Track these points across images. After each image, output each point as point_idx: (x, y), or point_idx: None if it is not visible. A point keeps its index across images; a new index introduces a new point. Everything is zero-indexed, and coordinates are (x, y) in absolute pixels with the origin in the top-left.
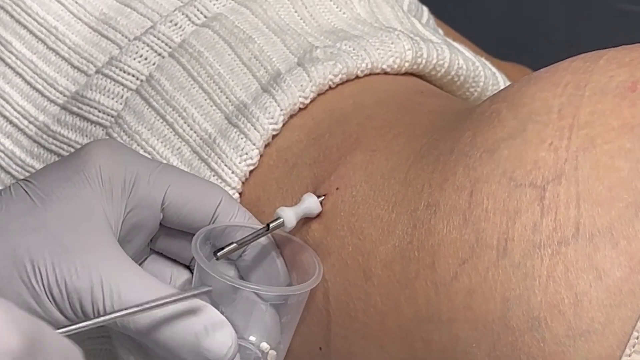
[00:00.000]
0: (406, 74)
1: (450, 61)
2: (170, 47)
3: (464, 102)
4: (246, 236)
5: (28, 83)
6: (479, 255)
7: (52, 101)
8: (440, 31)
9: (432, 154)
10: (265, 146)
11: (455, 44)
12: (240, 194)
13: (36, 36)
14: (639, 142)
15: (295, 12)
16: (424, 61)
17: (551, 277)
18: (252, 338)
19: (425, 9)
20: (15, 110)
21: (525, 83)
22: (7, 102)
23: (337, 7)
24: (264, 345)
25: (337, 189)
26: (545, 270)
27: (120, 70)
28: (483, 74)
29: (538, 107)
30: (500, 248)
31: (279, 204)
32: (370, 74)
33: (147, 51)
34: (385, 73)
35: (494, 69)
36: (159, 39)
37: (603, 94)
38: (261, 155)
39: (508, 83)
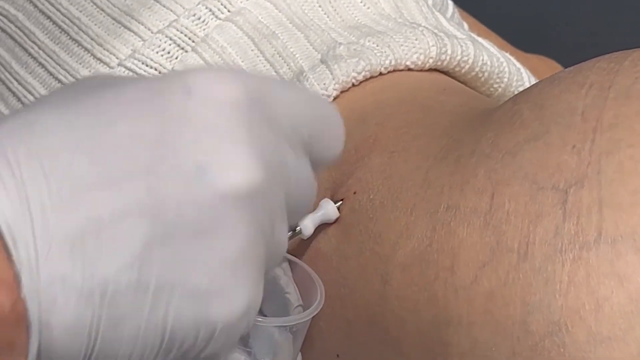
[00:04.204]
0: (430, 70)
1: (475, 57)
2: (193, 42)
3: (488, 99)
4: None
5: (50, 74)
6: (499, 259)
7: None
8: (465, 25)
9: (452, 155)
10: None
11: (480, 40)
12: None
13: (59, 27)
14: None
15: (319, 6)
16: (448, 57)
17: (572, 283)
18: None
19: (450, 2)
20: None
21: (549, 83)
22: (30, 92)
23: (361, 2)
24: None
25: (354, 192)
26: (567, 275)
27: (143, 63)
28: (507, 70)
29: (561, 109)
30: (521, 252)
31: None
32: (394, 71)
33: (170, 45)
34: (409, 70)
35: (518, 65)
36: (182, 32)
37: (627, 97)
38: None
39: (532, 78)
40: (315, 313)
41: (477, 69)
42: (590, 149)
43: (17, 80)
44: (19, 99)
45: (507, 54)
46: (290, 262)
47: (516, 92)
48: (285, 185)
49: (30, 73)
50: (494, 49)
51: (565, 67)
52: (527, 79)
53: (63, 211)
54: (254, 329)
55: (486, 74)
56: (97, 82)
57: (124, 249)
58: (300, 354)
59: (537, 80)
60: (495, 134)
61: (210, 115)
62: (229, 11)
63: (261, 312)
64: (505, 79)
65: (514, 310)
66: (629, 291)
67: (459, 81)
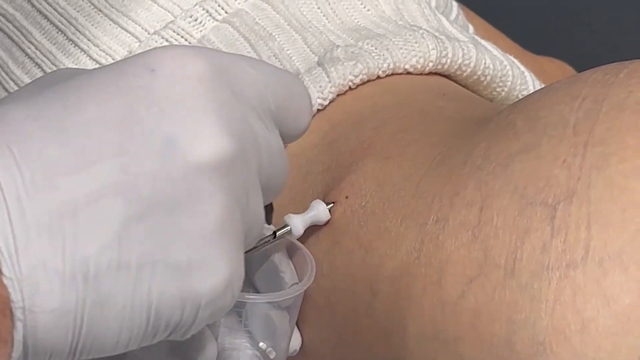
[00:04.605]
0: (430, 74)
1: (477, 61)
2: (189, 43)
3: (489, 104)
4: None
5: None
6: (486, 274)
7: None
8: (471, 27)
9: (445, 164)
10: None
11: (484, 42)
12: None
13: (56, 27)
14: None
15: (318, 8)
16: (448, 61)
17: (558, 301)
18: (261, 344)
19: (454, 4)
20: None
21: (544, 94)
22: None
23: (361, 4)
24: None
25: (346, 197)
26: (553, 294)
27: None
28: (511, 73)
29: (554, 121)
30: (508, 268)
31: (292, 213)
32: (392, 74)
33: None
34: (409, 73)
35: (522, 68)
36: (178, 34)
37: (621, 110)
38: None
39: (537, 82)
40: (304, 288)
41: (479, 73)
42: (581, 163)
43: (13, 81)
44: None
45: (512, 57)
46: (289, 246)
47: (520, 96)
48: (257, 155)
49: (26, 73)
50: (497, 52)
51: (578, 70)
52: (531, 83)
53: (38, 197)
54: (250, 309)
55: (488, 77)
56: (65, 74)
57: (102, 229)
58: (298, 332)
59: (542, 85)
60: (488, 144)
61: (176, 90)
62: (226, 12)
63: (257, 292)
64: (509, 83)
65: (500, 327)
66: (615, 312)
67: (460, 85)
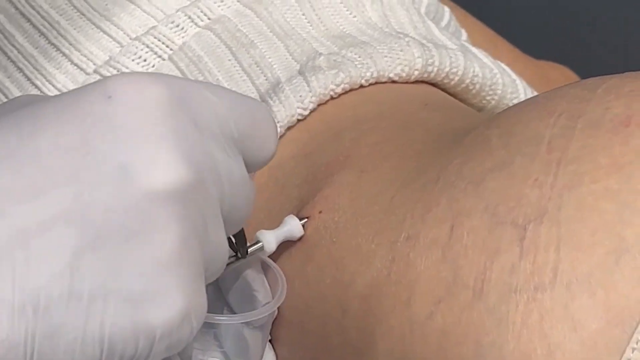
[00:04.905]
0: (417, 82)
1: (465, 69)
2: (171, 49)
3: (476, 114)
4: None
5: (28, 79)
6: (454, 295)
7: None
8: (464, 33)
9: (419, 180)
10: None
11: (474, 50)
12: None
13: (39, 30)
14: (626, 184)
15: (303, 14)
16: (435, 69)
17: (525, 325)
18: None
19: (446, 10)
20: None
21: (521, 108)
22: (7, 97)
23: (347, 10)
24: None
25: (320, 212)
26: (520, 317)
27: (118, 71)
28: (501, 82)
29: (528, 138)
30: (477, 289)
31: (268, 228)
32: (377, 83)
33: (146, 52)
34: (393, 82)
35: (514, 76)
36: (159, 40)
37: (596, 127)
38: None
39: (529, 90)
40: (275, 307)
41: (467, 81)
42: (553, 182)
43: None
44: None
45: (503, 65)
46: (263, 263)
47: (510, 105)
48: (217, 183)
49: (8, 77)
50: (488, 60)
51: (581, 76)
52: (522, 91)
53: None
54: (224, 328)
55: (477, 86)
56: (22, 101)
57: (54, 259)
58: (272, 350)
59: (535, 93)
60: (462, 160)
61: (132, 118)
62: (208, 19)
63: (232, 311)
64: (499, 91)
65: (467, 350)
66: (581, 337)
67: (449, 93)
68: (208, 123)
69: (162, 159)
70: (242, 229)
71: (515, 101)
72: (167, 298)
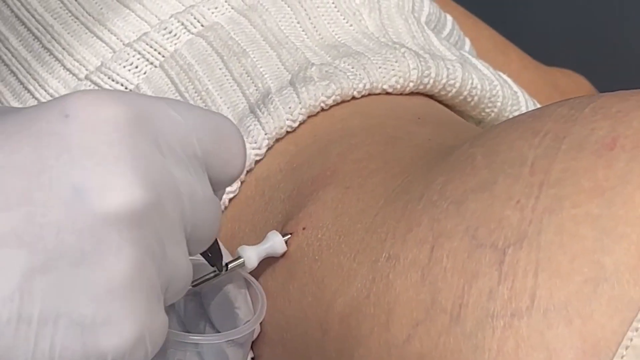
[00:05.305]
0: (412, 94)
1: (463, 80)
2: (163, 56)
3: (467, 130)
4: (202, 276)
5: (21, 83)
6: (432, 319)
7: None
8: (467, 42)
9: (402, 198)
10: (247, 172)
11: (474, 61)
12: None
13: (33, 34)
14: (608, 209)
15: (298, 23)
16: (431, 81)
17: (501, 353)
18: None
19: (449, 19)
20: None
21: (507, 127)
22: (0, 101)
23: (344, 19)
24: None
25: (303, 228)
26: (496, 344)
27: (109, 78)
28: (501, 94)
29: (512, 157)
30: (454, 313)
31: (253, 243)
32: (370, 94)
33: (138, 59)
34: (388, 93)
35: (515, 88)
36: (151, 47)
37: (580, 149)
38: (242, 182)
39: (530, 102)
40: (255, 325)
41: (465, 93)
42: (534, 205)
43: None
44: None
45: (504, 76)
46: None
47: (510, 117)
48: (177, 203)
49: (1, 81)
50: (488, 71)
51: (594, 84)
52: (524, 103)
53: None
54: (207, 346)
55: (476, 98)
56: None
57: (3, 281)
58: None
59: (537, 105)
60: (445, 178)
61: (88, 137)
62: (202, 25)
63: (214, 328)
64: (499, 104)
65: None
66: None
67: (447, 105)
68: (169, 142)
69: (117, 182)
70: (217, 243)
71: (516, 113)
72: (119, 323)
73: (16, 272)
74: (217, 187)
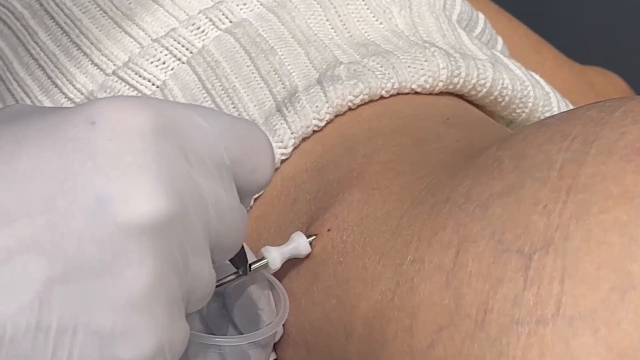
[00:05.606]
0: (442, 94)
1: (493, 81)
2: (190, 52)
3: (496, 131)
4: (224, 277)
5: (49, 77)
6: (456, 324)
7: (69, 99)
8: (500, 41)
9: (429, 201)
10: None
11: (506, 60)
12: None
13: (61, 28)
14: (636, 216)
15: (327, 20)
16: (461, 80)
17: None
18: None
19: (481, 17)
20: (33, 104)
21: (535, 130)
22: (27, 95)
23: (374, 17)
24: None
25: (328, 230)
26: (520, 351)
27: (136, 73)
28: (533, 94)
29: (540, 161)
30: (479, 319)
31: (278, 244)
32: (398, 94)
33: (165, 55)
34: (416, 93)
35: (547, 89)
36: (179, 42)
37: (610, 154)
38: None
39: (562, 103)
40: (277, 327)
41: (495, 93)
42: (561, 211)
43: (16, 82)
44: (16, 101)
45: (537, 77)
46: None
47: (542, 117)
48: (202, 212)
49: (30, 75)
50: (520, 71)
51: (630, 84)
52: (556, 104)
53: None
54: (229, 348)
55: (507, 98)
56: (9, 113)
57: (22, 289)
58: None
59: (570, 106)
60: (472, 181)
61: (113, 145)
62: (230, 22)
63: (237, 329)
64: (530, 104)
65: None
66: None
67: (477, 105)
68: (196, 150)
69: (141, 191)
70: (243, 248)
71: (548, 114)
72: (138, 335)
73: (35, 281)
74: (244, 196)
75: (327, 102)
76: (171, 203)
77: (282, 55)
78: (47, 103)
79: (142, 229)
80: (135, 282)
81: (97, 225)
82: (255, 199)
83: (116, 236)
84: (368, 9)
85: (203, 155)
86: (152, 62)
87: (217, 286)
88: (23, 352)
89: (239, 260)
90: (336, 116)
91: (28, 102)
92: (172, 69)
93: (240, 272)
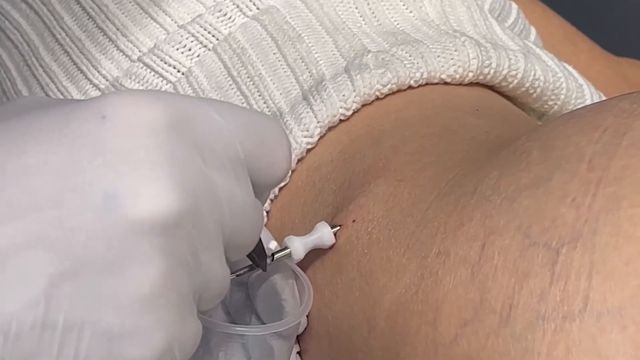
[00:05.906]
0: (472, 84)
1: (525, 72)
2: (217, 39)
3: (525, 123)
4: (244, 267)
5: (74, 63)
6: (481, 319)
7: (94, 85)
8: (533, 31)
9: (455, 192)
10: (298, 161)
11: (538, 51)
12: (267, 213)
13: (87, 13)
14: None
15: (356, 8)
16: (492, 71)
17: (551, 356)
18: None
19: (514, 7)
20: (58, 90)
21: (565, 121)
22: (52, 81)
23: (403, 5)
24: None
25: (353, 221)
26: (546, 348)
27: (161, 60)
28: (565, 86)
29: (569, 153)
30: (504, 314)
31: (302, 234)
32: (427, 84)
33: (191, 42)
34: (446, 83)
35: (581, 81)
36: (205, 29)
37: None
38: (293, 171)
39: (596, 96)
40: (300, 318)
41: (527, 85)
42: (590, 204)
43: (42, 67)
44: (42, 87)
45: (570, 68)
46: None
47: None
48: (216, 209)
49: (55, 60)
50: (553, 62)
51: None
52: (589, 96)
53: None
54: (252, 338)
55: (539, 90)
56: (21, 105)
57: (29, 286)
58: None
59: (604, 97)
60: (500, 173)
61: (124, 141)
62: (257, 8)
63: (260, 319)
64: (562, 96)
65: None
66: None
67: (508, 96)
68: (210, 145)
69: (150, 188)
70: (260, 243)
71: (580, 106)
72: (146, 333)
73: (42, 277)
74: (261, 190)
75: (354, 91)
76: (183, 201)
77: (309, 42)
78: (72, 89)
79: (152, 227)
80: (144, 280)
81: (106, 222)
82: (280, 189)
83: (125, 233)
84: None
85: (217, 151)
86: (177, 49)
87: (237, 275)
88: (28, 350)
89: (258, 256)
90: (363, 105)
91: (53, 87)
92: (197, 56)
93: (259, 267)
